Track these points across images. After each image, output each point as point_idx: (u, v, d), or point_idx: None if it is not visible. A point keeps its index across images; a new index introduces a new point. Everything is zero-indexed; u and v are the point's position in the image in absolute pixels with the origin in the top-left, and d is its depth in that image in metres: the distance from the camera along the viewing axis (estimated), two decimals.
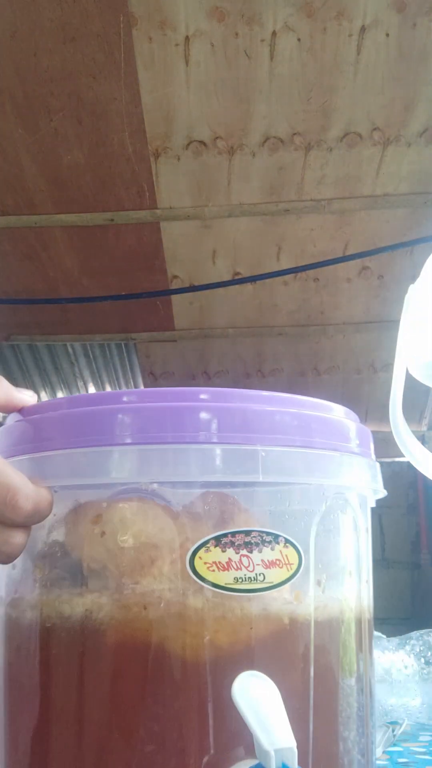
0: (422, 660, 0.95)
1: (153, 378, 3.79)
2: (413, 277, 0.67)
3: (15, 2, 1.98)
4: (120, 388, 4.07)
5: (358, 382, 3.73)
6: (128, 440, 0.44)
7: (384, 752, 0.76)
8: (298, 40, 2.12)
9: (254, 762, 0.40)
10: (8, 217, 2.70)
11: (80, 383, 4.04)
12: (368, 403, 3.72)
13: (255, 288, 3.11)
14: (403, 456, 0.65)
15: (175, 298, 3.13)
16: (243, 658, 0.44)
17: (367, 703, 0.51)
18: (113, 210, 2.66)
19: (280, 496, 0.48)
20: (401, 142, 2.45)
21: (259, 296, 3.17)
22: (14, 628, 0.47)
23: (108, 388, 4.09)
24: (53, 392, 4.06)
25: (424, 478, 0.65)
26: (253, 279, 2.98)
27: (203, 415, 0.45)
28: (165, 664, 0.43)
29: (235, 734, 0.42)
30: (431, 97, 2.30)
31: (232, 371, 3.59)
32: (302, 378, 3.73)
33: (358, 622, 0.51)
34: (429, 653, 0.96)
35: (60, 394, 4.10)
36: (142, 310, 3.15)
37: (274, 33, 2.11)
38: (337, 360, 3.63)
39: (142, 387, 4.01)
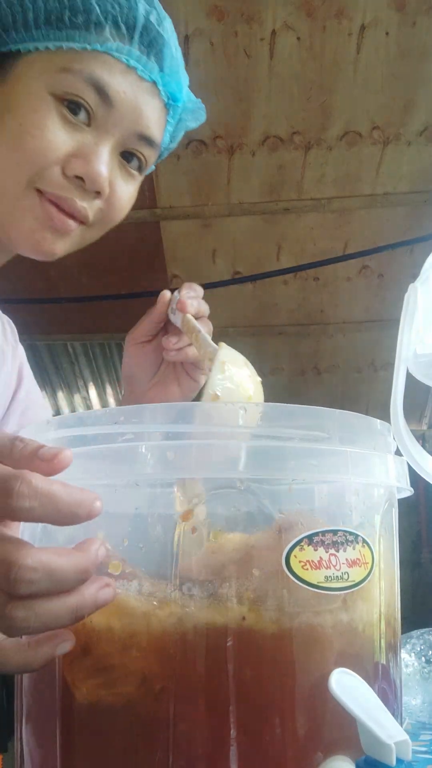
0: (423, 659, 0.95)
1: None
2: (413, 276, 0.67)
3: None
4: (120, 387, 4.06)
5: (359, 381, 3.73)
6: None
7: None
8: (298, 39, 2.12)
9: (353, 758, 0.40)
10: None
11: (80, 383, 4.03)
12: (368, 402, 3.72)
13: (255, 287, 3.11)
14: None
15: None
16: (333, 658, 0.45)
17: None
18: None
19: (348, 495, 0.49)
20: (401, 141, 2.45)
21: (259, 295, 3.17)
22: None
23: (108, 388, 4.09)
24: (53, 392, 4.06)
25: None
26: (253, 278, 2.98)
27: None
28: (259, 662, 0.44)
29: (328, 729, 0.44)
30: (431, 96, 2.30)
31: None
32: (302, 377, 3.73)
33: (396, 618, 0.53)
34: (430, 652, 0.96)
35: (60, 394, 4.10)
36: (143, 309, 3.15)
37: (273, 32, 2.10)
38: (338, 359, 3.63)
39: None
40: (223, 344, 0.68)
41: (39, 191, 0.72)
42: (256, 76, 2.21)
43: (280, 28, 2.10)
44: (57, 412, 4.11)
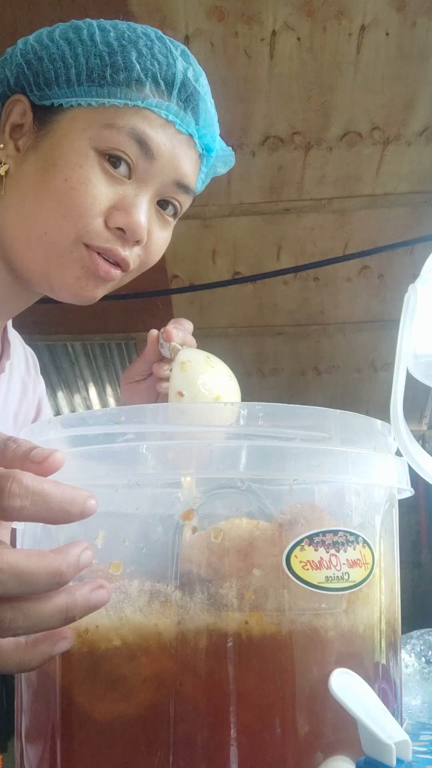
0: (423, 659, 0.95)
1: None
2: (413, 276, 0.67)
3: (14, 1, 1.98)
4: (120, 388, 4.05)
5: (358, 382, 3.73)
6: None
7: None
8: (298, 39, 2.12)
9: (353, 758, 0.40)
10: None
11: (80, 383, 4.03)
12: (368, 403, 3.72)
13: (255, 287, 3.11)
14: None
15: (175, 297, 3.13)
16: (333, 658, 0.45)
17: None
18: None
19: (348, 495, 0.49)
20: (401, 141, 2.45)
21: (259, 296, 3.17)
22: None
23: (108, 389, 4.09)
24: (53, 392, 4.06)
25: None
26: (253, 278, 2.98)
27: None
28: (259, 663, 0.44)
29: (329, 729, 0.44)
30: (431, 96, 2.30)
31: (233, 370, 3.58)
32: (302, 377, 3.73)
33: (396, 618, 0.53)
34: (430, 652, 0.96)
35: (60, 394, 4.10)
36: (142, 310, 3.15)
37: (273, 32, 2.10)
38: (338, 359, 3.63)
39: None
40: (184, 347, 0.70)
41: (85, 245, 0.75)
42: (256, 76, 2.21)
43: (281, 28, 2.10)
44: (57, 412, 4.11)
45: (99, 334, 3.50)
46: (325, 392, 3.79)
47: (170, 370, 0.77)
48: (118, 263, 0.78)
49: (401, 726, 0.41)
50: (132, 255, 0.78)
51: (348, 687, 0.40)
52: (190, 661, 0.43)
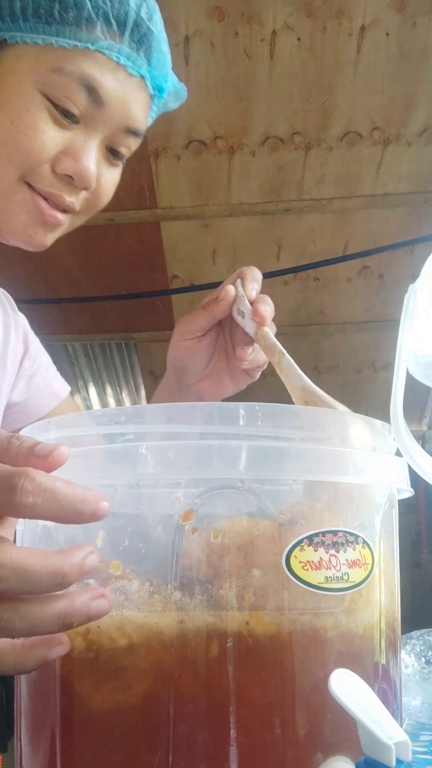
0: (423, 659, 0.95)
1: (153, 378, 3.79)
2: (413, 277, 0.67)
3: None
4: (120, 388, 4.06)
5: (358, 382, 3.73)
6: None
7: None
8: (298, 39, 2.12)
9: (353, 759, 0.40)
10: None
11: (80, 383, 4.03)
12: (368, 403, 3.72)
13: None
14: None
15: (175, 297, 3.13)
16: (333, 658, 0.45)
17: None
18: (113, 210, 2.66)
19: (348, 495, 0.49)
20: (401, 142, 2.45)
21: None
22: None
23: (108, 388, 4.09)
24: None
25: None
26: None
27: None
28: (259, 663, 0.44)
29: (328, 729, 0.44)
30: (431, 96, 2.30)
31: None
32: None
33: (396, 618, 0.53)
34: (429, 653, 0.96)
35: None
36: (143, 310, 3.15)
37: (273, 32, 2.11)
38: (338, 359, 3.63)
39: (142, 387, 4.01)
40: (337, 404, 0.62)
41: (29, 185, 0.73)
42: (256, 76, 2.21)
43: (281, 28, 2.10)
44: None
45: (99, 334, 3.50)
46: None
47: (251, 351, 0.73)
48: (63, 209, 0.76)
49: (401, 726, 0.41)
50: (78, 199, 0.77)
51: (347, 687, 0.40)
52: (191, 660, 0.43)
